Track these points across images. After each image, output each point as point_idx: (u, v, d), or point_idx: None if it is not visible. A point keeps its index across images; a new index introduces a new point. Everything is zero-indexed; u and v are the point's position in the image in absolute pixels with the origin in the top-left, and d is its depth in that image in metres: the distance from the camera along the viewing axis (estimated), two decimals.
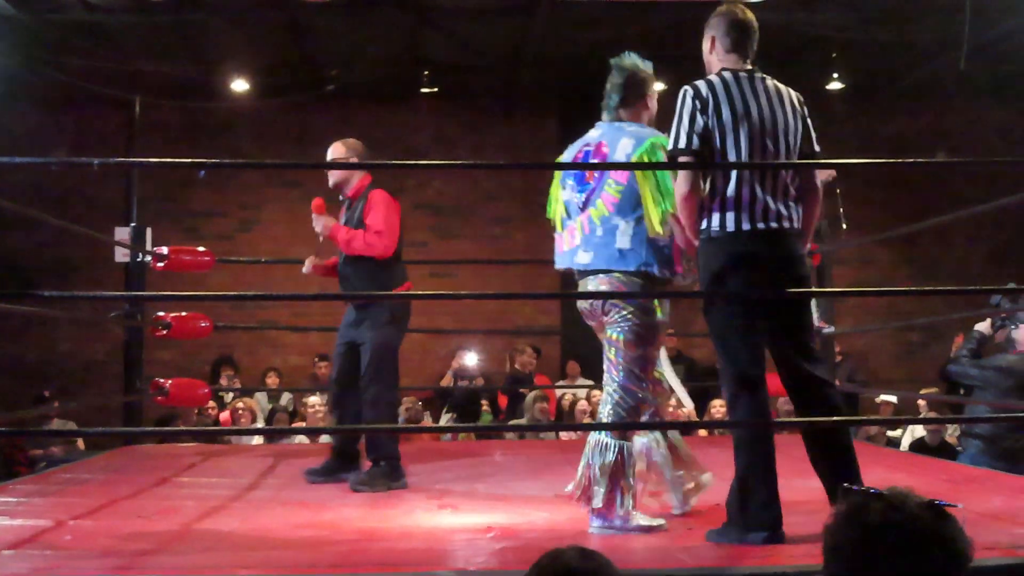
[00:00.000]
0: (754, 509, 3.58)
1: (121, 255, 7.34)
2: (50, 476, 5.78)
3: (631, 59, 4.16)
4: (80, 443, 8.87)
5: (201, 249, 6.88)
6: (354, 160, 5.46)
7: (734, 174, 3.67)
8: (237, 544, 3.77)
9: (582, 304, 4.09)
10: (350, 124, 11.89)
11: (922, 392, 9.20)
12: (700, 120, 3.68)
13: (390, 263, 5.31)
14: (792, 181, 3.75)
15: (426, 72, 10.71)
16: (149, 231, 7.42)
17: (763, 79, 3.79)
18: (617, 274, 3.96)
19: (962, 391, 7.20)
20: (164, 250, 6.46)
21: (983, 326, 6.51)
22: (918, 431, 8.50)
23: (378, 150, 11.61)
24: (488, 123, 11.96)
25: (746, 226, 3.65)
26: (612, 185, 3.99)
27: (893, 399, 9.40)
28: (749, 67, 3.82)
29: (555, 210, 4.21)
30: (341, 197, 5.52)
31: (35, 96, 10.66)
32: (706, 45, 3.89)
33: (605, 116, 4.16)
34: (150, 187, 11.48)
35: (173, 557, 3.60)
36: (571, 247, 4.09)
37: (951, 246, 11.98)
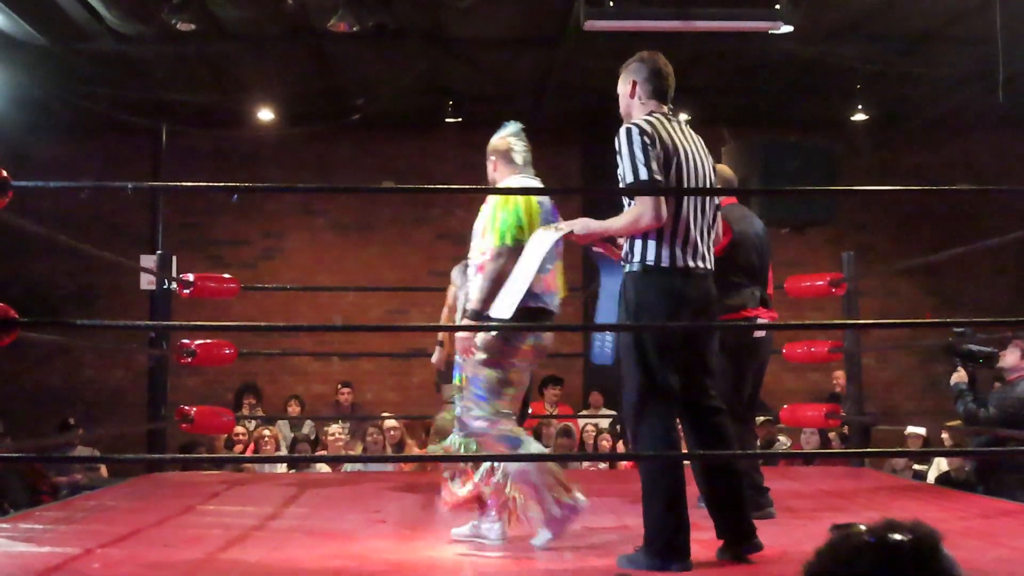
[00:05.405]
0: (665, 538, 3.59)
1: (146, 282, 7.39)
2: (74, 503, 5.78)
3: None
4: (103, 470, 8.90)
5: (227, 276, 6.94)
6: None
7: (678, 210, 3.70)
8: (264, 574, 3.76)
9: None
10: (374, 153, 11.98)
11: (947, 424, 9.09)
12: (652, 151, 3.67)
13: None
14: (713, 223, 3.83)
15: (450, 102, 10.75)
16: (175, 259, 7.46)
17: (681, 123, 3.85)
18: None
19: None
20: (190, 277, 6.52)
21: (958, 377, 6.46)
22: (943, 464, 8.41)
23: (402, 179, 11.77)
24: None
25: (680, 263, 3.69)
26: None
27: (922, 431, 9.30)
28: (667, 110, 3.88)
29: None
30: None
31: (63, 124, 10.77)
32: (625, 88, 3.95)
33: None
34: (173, 215, 11.58)
35: None
36: (554, 289, 4.40)
37: (975, 278, 11.91)
